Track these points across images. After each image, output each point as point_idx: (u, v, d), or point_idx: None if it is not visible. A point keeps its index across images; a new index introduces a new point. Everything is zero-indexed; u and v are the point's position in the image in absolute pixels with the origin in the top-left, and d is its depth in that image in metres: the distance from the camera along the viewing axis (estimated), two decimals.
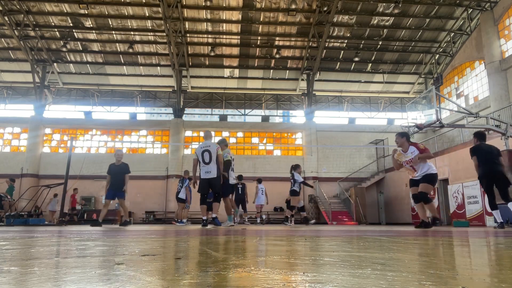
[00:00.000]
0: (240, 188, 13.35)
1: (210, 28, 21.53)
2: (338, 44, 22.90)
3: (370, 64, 23.99)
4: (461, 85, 22.12)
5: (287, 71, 24.31)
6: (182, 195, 13.00)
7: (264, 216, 15.83)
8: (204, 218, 7.39)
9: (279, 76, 24.63)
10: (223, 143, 8.26)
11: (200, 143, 7.81)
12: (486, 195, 6.39)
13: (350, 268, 1.07)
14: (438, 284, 0.80)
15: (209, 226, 7.03)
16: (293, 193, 11.07)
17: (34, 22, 20.98)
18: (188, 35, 21.78)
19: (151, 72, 24.16)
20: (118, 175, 9.19)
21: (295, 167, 11.29)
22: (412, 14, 20.81)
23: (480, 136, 7.43)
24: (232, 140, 24.51)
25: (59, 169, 19.38)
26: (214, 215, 7.32)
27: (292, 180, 11.16)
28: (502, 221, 7.28)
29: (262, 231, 4.62)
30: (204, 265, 1.14)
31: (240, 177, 13.42)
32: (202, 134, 24.35)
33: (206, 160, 7.40)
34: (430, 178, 6.60)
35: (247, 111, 24.89)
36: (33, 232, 4.24)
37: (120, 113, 24.75)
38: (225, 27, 21.49)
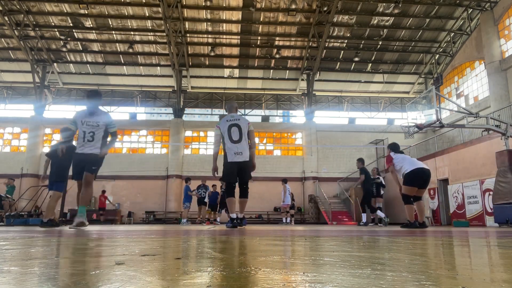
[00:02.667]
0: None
1: (210, 28, 21.53)
2: (338, 44, 22.90)
3: (370, 64, 23.99)
4: (461, 85, 22.12)
5: (287, 71, 24.31)
6: (207, 199, 13.87)
7: (289, 219, 15.90)
8: (233, 216, 5.72)
9: (279, 76, 24.63)
10: None
11: (226, 116, 5.94)
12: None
13: (350, 268, 1.07)
14: (438, 284, 0.80)
15: (213, 227, 6.49)
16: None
17: (34, 22, 20.97)
18: (188, 35, 21.78)
19: (151, 72, 24.16)
20: (65, 162, 7.13)
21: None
22: (412, 14, 20.81)
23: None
24: None
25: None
26: (241, 215, 5.88)
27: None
28: (366, 221, 9.02)
29: (262, 231, 4.62)
30: (204, 265, 1.14)
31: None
32: (202, 134, 24.35)
33: (234, 138, 5.62)
34: (403, 180, 6.87)
35: (247, 111, 24.89)
36: (33, 232, 4.24)
37: (120, 113, 24.76)
38: (225, 27, 21.50)
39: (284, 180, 15.35)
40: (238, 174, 5.70)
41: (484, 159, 13.77)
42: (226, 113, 6.09)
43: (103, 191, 18.85)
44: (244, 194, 5.80)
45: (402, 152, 7.20)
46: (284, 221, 15.73)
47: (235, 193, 5.80)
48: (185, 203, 14.26)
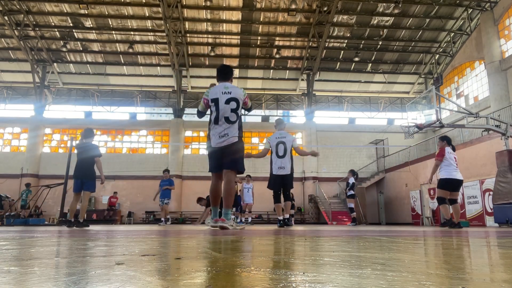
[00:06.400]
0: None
1: (210, 28, 21.54)
2: (338, 44, 22.91)
3: (370, 64, 24.00)
4: (461, 85, 22.13)
5: (287, 71, 24.31)
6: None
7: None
8: (280, 218, 6.83)
9: (279, 76, 24.63)
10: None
11: (275, 132, 6.80)
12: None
13: (350, 268, 1.07)
14: (438, 284, 0.80)
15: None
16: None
17: (34, 22, 20.98)
18: (188, 35, 21.79)
19: (151, 72, 24.16)
20: (84, 159, 7.01)
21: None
22: (412, 14, 20.82)
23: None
24: None
25: (59, 169, 19.40)
26: (287, 216, 6.88)
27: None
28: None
29: (262, 231, 4.62)
30: (204, 265, 1.14)
31: None
32: (202, 134, 24.34)
33: (280, 154, 6.58)
34: (438, 183, 7.32)
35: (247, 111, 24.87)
36: (33, 232, 4.24)
37: (120, 113, 24.76)
38: (225, 27, 21.50)
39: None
40: (281, 185, 6.75)
41: (484, 159, 13.78)
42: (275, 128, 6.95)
43: (115, 192, 20.02)
44: (287, 198, 6.88)
45: (453, 148, 7.35)
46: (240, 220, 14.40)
47: (281, 200, 6.86)
48: (163, 199, 11.99)
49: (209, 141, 4.48)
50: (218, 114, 4.33)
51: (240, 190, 13.37)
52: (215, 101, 4.37)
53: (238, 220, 13.26)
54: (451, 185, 7.09)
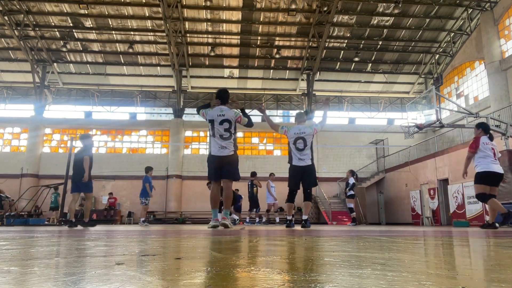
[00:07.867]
0: (249, 185, 13.20)
1: (210, 28, 21.53)
2: (338, 44, 22.89)
3: (370, 64, 23.98)
4: (461, 85, 22.12)
5: (287, 71, 24.30)
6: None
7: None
8: (289, 218, 6.65)
9: (279, 76, 24.62)
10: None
11: (294, 126, 6.59)
12: None
13: (350, 268, 1.07)
14: (438, 284, 0.80)
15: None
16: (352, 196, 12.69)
17: (34, 22, 20.97)
18: (188, 35, 21.78)
19: (151, 72, 24.15)
20: (76, 162, 7.51)
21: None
22: (412, 14, 20.81)
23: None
24: None
25: (59, 169, 19.39)
26: (305, 216, 6.49)
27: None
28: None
29: (262, 231, 4.62)
30: (204, 265, 1.14)
31: (253, 174, 13.22)
32: (202, 134, 24.33)
33: (300, 147, 6.31)
34: (475, 178, 6.49)
35: (247, 111, 24.82)
36: (33, 232, 4.24)
37: (120, 113, 24.76)
38: (225, 27, 21.49)
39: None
40: (301, 179, 6.33)
41: None
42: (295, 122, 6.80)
43: (110, 193, 19.97)
44: (308, 197, 6.40)
45: (491, 137, 6.41)
46: (277, 221, 15.28)
47: (294, 199, 6.65)
48: (144, 198, 12.19)
49: (210, 148, 5.35)
50: (214, 132, 5.24)
51: (256, 191, 13.43)
52: (212, 122, 5.25)
53: (257, 221, 13.61)
54: (489, 179, 6.26)
